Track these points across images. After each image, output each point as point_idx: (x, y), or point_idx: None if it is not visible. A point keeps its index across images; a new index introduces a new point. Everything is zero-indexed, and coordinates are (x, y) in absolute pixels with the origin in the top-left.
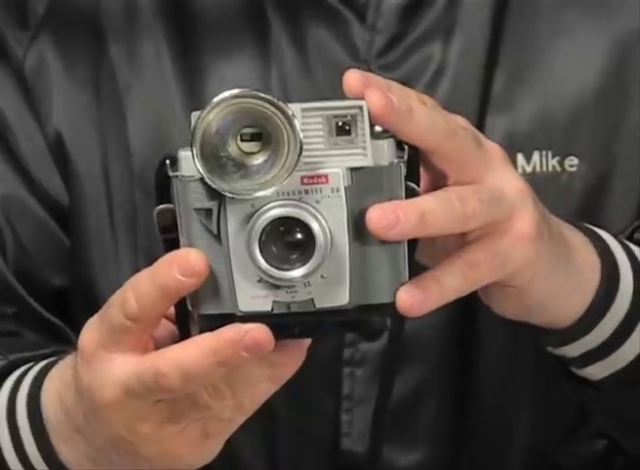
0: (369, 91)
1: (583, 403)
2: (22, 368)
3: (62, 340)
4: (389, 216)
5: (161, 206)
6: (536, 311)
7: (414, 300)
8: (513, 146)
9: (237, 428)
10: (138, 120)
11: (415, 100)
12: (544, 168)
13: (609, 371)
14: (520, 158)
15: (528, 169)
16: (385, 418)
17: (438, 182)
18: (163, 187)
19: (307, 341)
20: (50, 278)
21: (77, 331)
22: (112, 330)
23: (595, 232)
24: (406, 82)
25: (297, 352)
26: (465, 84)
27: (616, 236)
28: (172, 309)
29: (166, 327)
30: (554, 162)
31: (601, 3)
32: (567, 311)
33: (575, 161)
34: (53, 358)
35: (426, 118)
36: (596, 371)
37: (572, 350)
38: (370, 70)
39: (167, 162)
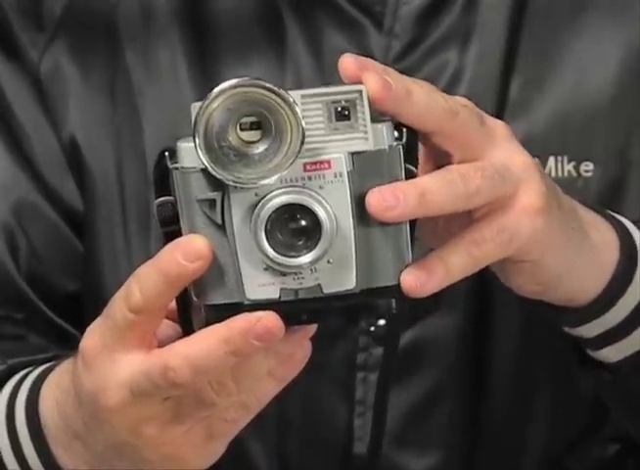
0: (366, 74)
1: (598, 402)
2: (22, 373)
3: (72, 345)
4: (389, 198)
5: (162, 198)
6: (553, 287)
7: (418, 281)
8: (529, 151)
9: (249, 433)
10: (153, 126)
11: (412, 83)
12: (560, 174)
13: (624, 354)
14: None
15: None
16: (384, 418)
17: (442, 162)
18: (163, 179)
19: (312, 329)
20: (63, 283)
21: None
22: (115, 327)
23: (612, 215)
24: None
25: (303, 341)
26: (482, 89)
27: (634, 222)
28: (175, 309)
29: (171, 327)
30: (569, 167)
31: (619, 9)
32: (585, 288)
33: (591, 166)
34: (52, 363)
35: (425, 99)
36: (611, 354)
37: (589, 330)
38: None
39: (166, 154)
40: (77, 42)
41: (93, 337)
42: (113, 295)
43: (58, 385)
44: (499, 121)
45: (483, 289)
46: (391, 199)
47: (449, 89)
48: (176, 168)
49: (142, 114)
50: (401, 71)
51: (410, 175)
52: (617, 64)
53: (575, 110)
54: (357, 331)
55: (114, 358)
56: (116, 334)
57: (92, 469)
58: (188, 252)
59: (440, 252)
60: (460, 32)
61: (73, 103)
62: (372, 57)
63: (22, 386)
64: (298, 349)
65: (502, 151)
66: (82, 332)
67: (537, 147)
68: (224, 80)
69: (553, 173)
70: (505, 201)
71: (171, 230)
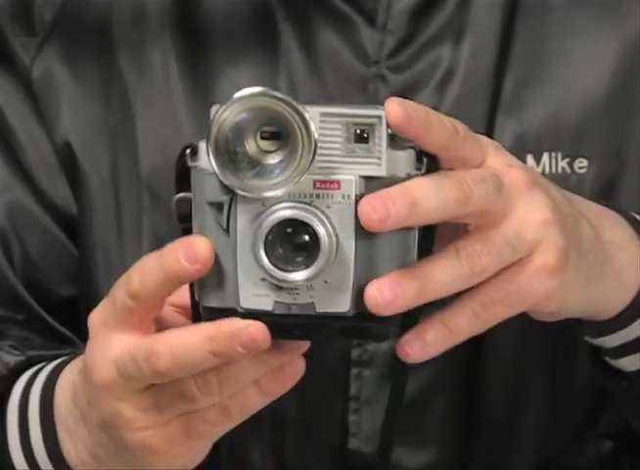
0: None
1: (594, 400)
2: (40, 365)
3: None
4: (386, 295)
5: (181, 194)
6: (577, 315)
7: (412, 350)
8: (523, 147)
9: (245, 430)
10: (147, 129)
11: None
12: (554, 170)
13: None
14: (529, 159)
15: (538, 171)
16: (397, 419)
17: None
18: (183, 176)
19: (305, 346)
20: (59, 288)
21: (85, 340)
22: (115, 308)
23: (635, 219)
24: (416, 83)
25: (293, 355)
26: (475, 86)
27: None
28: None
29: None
30: (563, 163)
31: (612, 7)
32: (608, 307)
33: (585, 162)
34: (75, 353)
35: (438, 195)
36: (630, 363)
37: (611, 341)
38: (381, 73)
39: (188, 151)
40: (69, 46)
41: (98, 313)
42: None
43: (77, 368)
44: (519, 174)
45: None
46: (389, 295)
47: (443, 86)
48: (194, 167)
49: (135, 116)
50: (395, 67)
51: None
52: (611, 62)
53: (569, 107)
54: None
55: (111, 337)
56: (115, 315)
57: (92, 457)
58: (190, 253)
59: (443, 314)
60: (453, 29)
61: (66, 107)
62: (365, 54)
63: (40, 374)
64: (288, 364)
65: (519, 210)
66: (78, 336)
67: (531, 143)
68: (216, 82)
69: (547, 170)
70: (516, 262)
71: (189, 227)
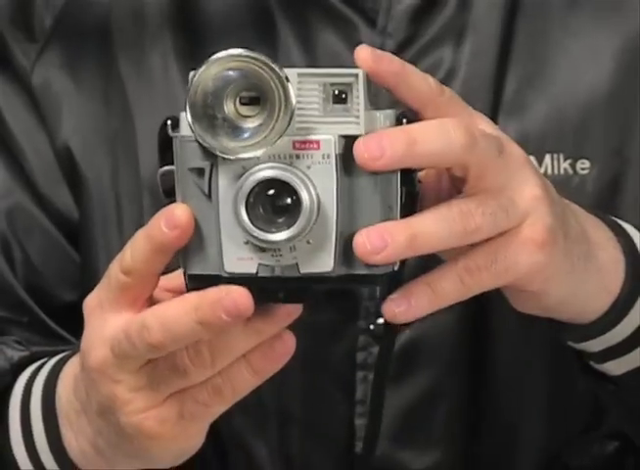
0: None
1: (597, 400)
2: (43, 360)
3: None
4: (375, 242)
5: (165, 168)
6: (558, 309)
7: (398, 309)
8: (524, 149)
9: (252, 431)
10: (147, 131)
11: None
12: (556, 171)
13: (628, 367)
14: (531, 160)
15: (540, 172)
16: (380, 416)
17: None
18: (165, 147)
19: (295, 311)
20: (61, 293)
21: None
22: (109, 286)
23: (620, 226)
24: None
25: (283, 320)
26: (476, 87)
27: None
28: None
29: None
30: (565, 164)
31: (612, 6)
32: (589, 308)
33: (587, 163)
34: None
35: (442, 136)
36: (614, 367)
37: (592, 345)
38: None
39: (169, 122)
40: (69, 51)
41: (93, 296)
42: None
43: (78, 361)
44: (517, 148)
45: None
46: (379, 242)
47: None
48: (176, 137)
49: (135, 119)
50: None
51: (405, 169)
52: (611, 62)
53: (571, 107)
54: (357, 330)
55: (105, 318)
56: (110, 293)
57: (94, 449)
58: (169, 219)
59: (429, 276)
60: (454, 30)
61: (67, 111)
62: None
63: (43, 369)
64: (278, 340)
65: (514, 181)
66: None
67: (533, 145)
68: None
69: (549, 171)
70: (506, 232)
71: (174, 200)
